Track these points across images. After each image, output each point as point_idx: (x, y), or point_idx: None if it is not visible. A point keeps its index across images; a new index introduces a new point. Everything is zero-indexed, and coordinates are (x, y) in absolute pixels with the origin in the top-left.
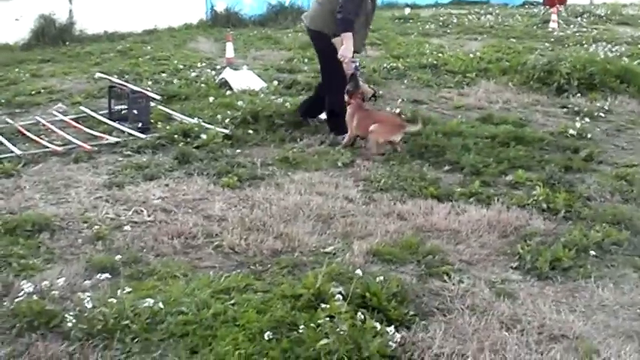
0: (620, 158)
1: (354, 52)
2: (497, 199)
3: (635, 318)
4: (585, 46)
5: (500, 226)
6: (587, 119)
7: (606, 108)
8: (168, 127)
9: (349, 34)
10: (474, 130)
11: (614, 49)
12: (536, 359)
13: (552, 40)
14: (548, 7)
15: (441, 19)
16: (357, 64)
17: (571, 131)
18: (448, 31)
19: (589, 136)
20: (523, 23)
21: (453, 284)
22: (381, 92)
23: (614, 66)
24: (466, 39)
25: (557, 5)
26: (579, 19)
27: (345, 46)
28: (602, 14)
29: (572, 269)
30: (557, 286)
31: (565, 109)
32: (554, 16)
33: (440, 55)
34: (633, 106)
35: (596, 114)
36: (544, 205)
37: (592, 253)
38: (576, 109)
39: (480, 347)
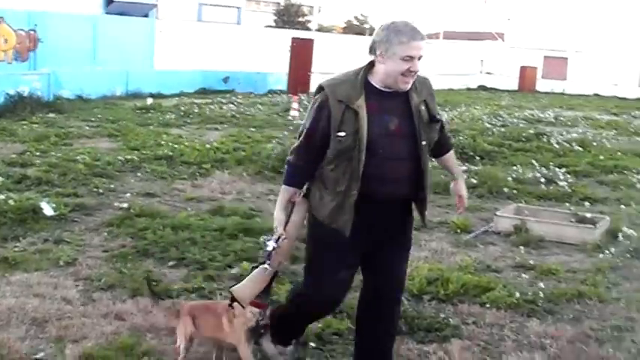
0: None
1: (328, 222)
2: (220, 294)
3: None
4: None
5: None
6: None
7: None
8: None
9: (283, 188)
10: (203, 223)
11: None
12: None
13: (291, 128)
14: (290, 95)
15: (183, 108)
16: (270, 245)
17: None
18: (189, 121)
19: None
20: (265, 112)
21: None
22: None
23: None
24: (206, 129)
25: (299, 93)
26: None
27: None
28: None
29: None
30: None
31: None
32: (295, 104)
33: (176, 145)
34: None
35: None
36: None
37: (312, 344)
38: None
39: None
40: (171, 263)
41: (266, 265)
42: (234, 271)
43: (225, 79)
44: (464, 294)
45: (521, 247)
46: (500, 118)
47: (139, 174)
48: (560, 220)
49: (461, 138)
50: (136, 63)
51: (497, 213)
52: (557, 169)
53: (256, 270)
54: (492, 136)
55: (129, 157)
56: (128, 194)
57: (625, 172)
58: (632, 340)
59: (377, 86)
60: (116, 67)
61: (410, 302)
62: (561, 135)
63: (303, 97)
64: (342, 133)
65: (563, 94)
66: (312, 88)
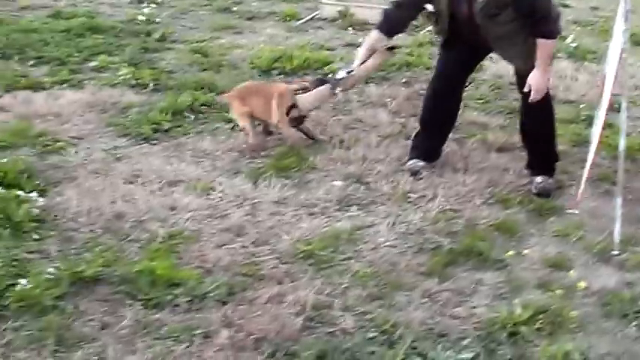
0: (191, 36)
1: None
2: (89, 82)
3: (234, 159)
4: None
5: (98, 104)
6: (152, 6)
7: None
8: None
9: (372, 30)
10: (49, 26)
11: None
12: (163, 200)
13: None
14: None
15: None
16: (340, 74)
17: (140, 17)
18: None
19: (157, 20)
20: None
21: (71, 156)
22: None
23: None
24: None
25: None
26: None
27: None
28: None
29: (173, 130)
30: (164, 144)
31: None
32: None
33: None
34: None
35: (159, 0)
36: (133, 82)
37: (186, 114)
38: None
39: (112, 200)
40: (32, 62)
41: (334, 90)
42: (93, 64)
43: None
44: (307, 67)
45: (349, 29)
46: None
47: None
48: (382, 3)
49: None
50: None
51: (322, 0)
52: None
53: (324, 87)
54: None
55: None
56: None
57: None
58: None
59: None
60: None
61: (260, 77)
62: None
63: None
64: (430, 7)
65: None
66: None
